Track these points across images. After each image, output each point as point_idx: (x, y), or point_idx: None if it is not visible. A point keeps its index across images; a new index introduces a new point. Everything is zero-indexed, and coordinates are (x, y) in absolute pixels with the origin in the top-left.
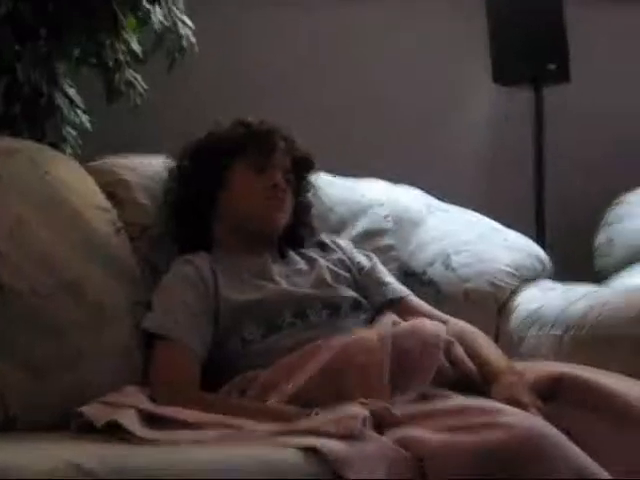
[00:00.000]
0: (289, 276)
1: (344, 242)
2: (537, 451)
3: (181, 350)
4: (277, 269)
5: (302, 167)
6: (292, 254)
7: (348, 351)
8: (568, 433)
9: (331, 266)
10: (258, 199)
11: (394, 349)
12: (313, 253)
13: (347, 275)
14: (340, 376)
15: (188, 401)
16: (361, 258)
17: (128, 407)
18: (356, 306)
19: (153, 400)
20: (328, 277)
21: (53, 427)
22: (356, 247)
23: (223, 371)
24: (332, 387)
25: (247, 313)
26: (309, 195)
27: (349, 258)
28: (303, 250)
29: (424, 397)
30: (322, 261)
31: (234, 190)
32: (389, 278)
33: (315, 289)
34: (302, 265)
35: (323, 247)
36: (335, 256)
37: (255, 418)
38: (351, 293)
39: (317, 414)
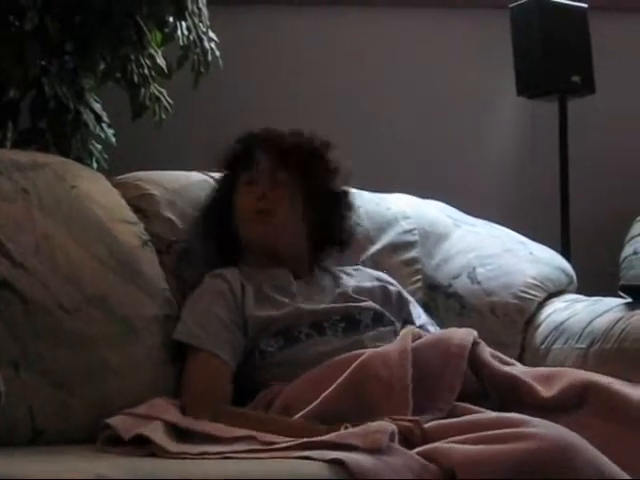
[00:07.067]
0: (310, 293)
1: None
2: (566, 460)
3: (213, 361)
4: (298, 284)
5: (295, 157)
6: (320, 272)
7: (370, 366)
8: (592, 442)
9: (357, 280)
10: (247, 214)
11: (415, 363)
12: (344, 274)
13: (374, 286)
14: (364, 392)
15: (217, 414)
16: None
17: (156, 420)
18: (377, 319)
19: (183, 411)
20: (350, 290)
21: (80, 440)
22: (381, 260)
23: (243, 383)
24: (356, 403)
25: (265, 329)
26: (333, 200)
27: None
28: (337, 268)
29: (450, 413)
30: (347, 279)
31: (234, 210)
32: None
33: (334, 303)
34: (326, 282)
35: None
36: (368, 280)
37: (283, 433)
38: (373, 305)
39: (346, 428)
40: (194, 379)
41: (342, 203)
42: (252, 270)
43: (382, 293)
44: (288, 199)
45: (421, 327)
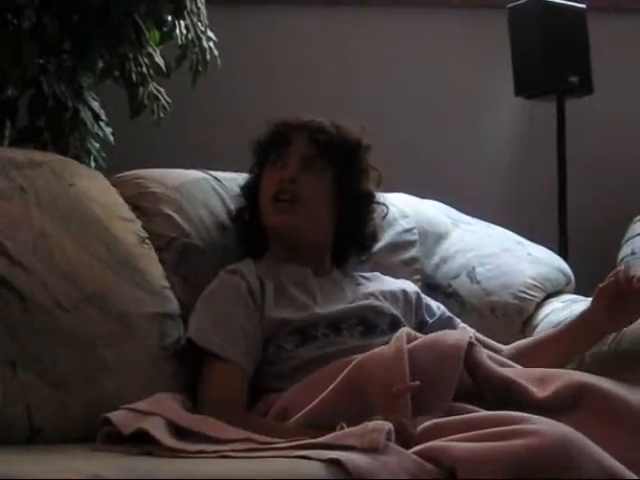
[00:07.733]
0: (329, 292)
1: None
2: (567, 457)
3: (233, 370)
4: (318, 282)
5: (333, 151)
6: (338, 273)
7: (367, 367)
8: None
9: (378, 284)
10: (268, 197)
11: (411, 364)
12: (363, 278)
13: (395, 290)
14: (362, 393)
15: (232, 423)
16: (432, 303)
17: (156, 415)
18: (394, 325)
19: (189, 409)
20: (372, 291)
21: (78, 439)
22: (381, 260)
23: (256, 374)
24: (354, 404)
25: (282, 328)
26: (362, 204)
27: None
28: (356, 273)
29: (447, 413)
30: (367, 283)
31: (260, 194)
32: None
33: (352, 304)
34: (345, 283)
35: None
36: (388, 285)
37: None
38: (391, 310)
39: (342, 428)
40: (214, 387)
41: (372, 206)
42: (272, 264)
43: (404, 297)
44: (320, 187)
45: (442, 316)
